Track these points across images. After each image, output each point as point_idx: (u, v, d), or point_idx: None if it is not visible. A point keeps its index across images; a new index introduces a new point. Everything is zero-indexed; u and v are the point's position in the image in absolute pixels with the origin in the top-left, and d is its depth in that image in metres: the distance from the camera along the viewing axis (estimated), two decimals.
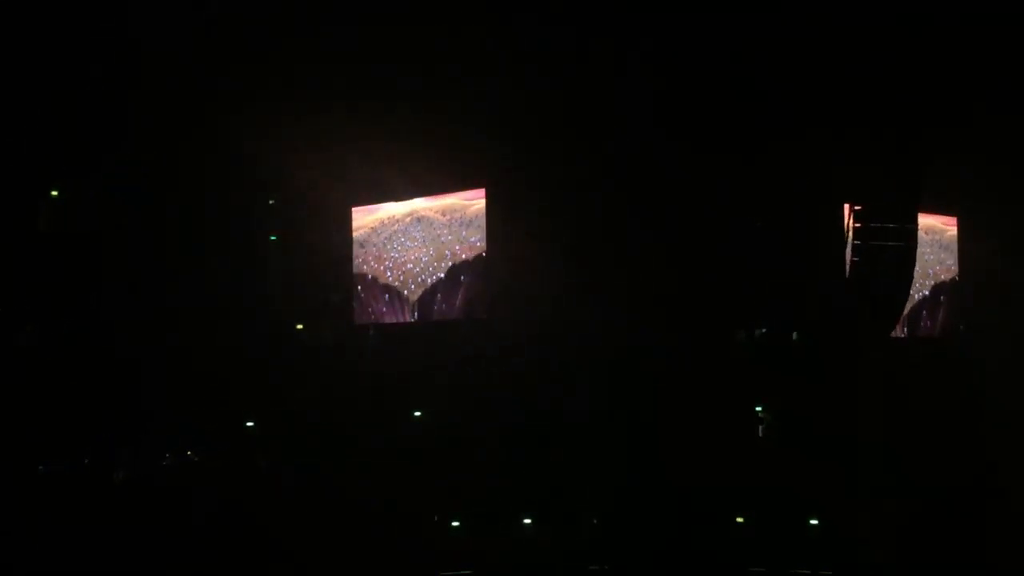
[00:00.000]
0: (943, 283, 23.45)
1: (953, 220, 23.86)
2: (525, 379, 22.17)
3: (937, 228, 23.37)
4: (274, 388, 23.25)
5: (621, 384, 21.73)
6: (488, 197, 20.72)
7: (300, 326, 24.50)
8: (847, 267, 19.84)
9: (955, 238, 23.53)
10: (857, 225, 19.77)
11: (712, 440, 20.85)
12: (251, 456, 22.95)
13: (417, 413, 23.18)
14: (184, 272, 23.49)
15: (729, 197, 21.63)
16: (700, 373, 21.47)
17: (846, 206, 20.36)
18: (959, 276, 23.78)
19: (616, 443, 21.07)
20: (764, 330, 22.64)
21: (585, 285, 22.11)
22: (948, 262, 23.54)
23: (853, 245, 19.89)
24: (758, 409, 21.71)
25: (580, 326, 22.25)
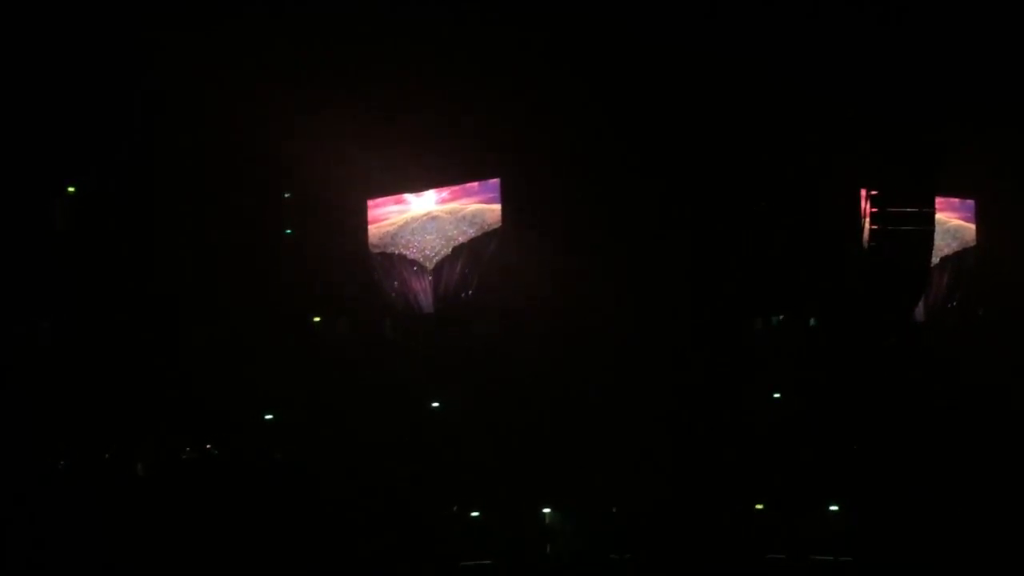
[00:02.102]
0: (962, 267, 23.54)
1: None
2: (541, 369, 22.47)
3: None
4: (292, 379, 23.31)
5: (639, 373, 21.89)
6: (503, 188, 24.16)
7: (317, 318, 24.50)
8: (864, 252, 19.96)
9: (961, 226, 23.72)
10: (874, 210, 19.71)
11: (730, 427, 20.92)
12: (269, 448, 22.91)
13: (435, 404, 23.18)
14: (201, 267, 23.63)
15: (745, 184, 21.81)
16: (718, 361, 21.55)
17: (862, 191, 20.22)
18: (978, 260, 23.79)
19: (635, 432, 21.16)
20: (781, 317, 22.67)
21: (597, 273, 22.59)
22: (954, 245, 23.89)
23: (870, 230, 19.74)
24: (776, 396, 21.55)
25: (596, 314, 22.55)
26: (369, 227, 24.94)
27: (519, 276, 23.70)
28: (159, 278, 23.52)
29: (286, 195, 24.74)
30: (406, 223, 24.68)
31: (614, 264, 22.78)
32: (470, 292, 24.11)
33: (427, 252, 24.55)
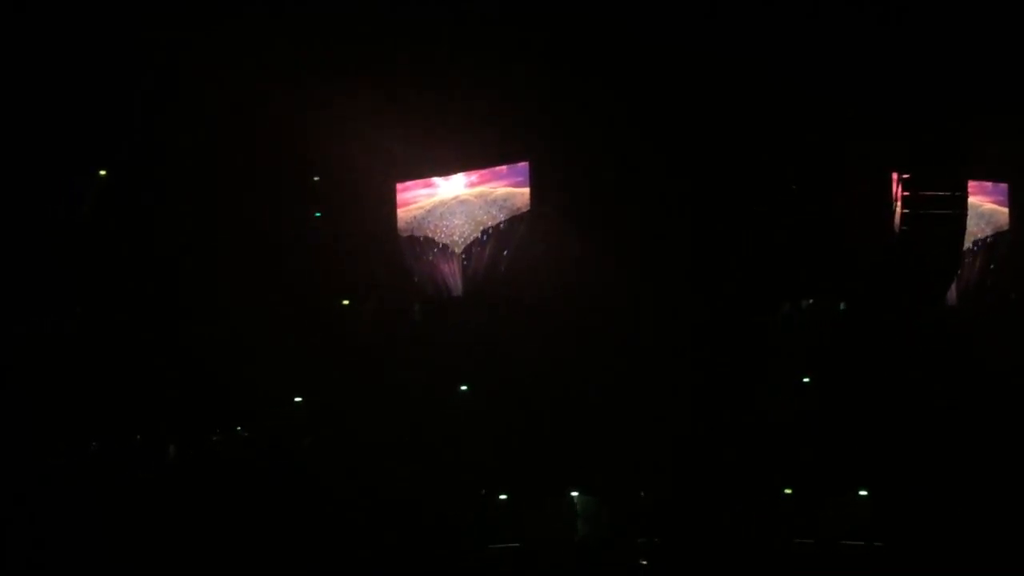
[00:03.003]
0: (994, 251, 23.41)
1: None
2: (569, 352, 22.30)
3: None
4: (320, 364, 23.22)
5: (667, 357, 21.71)
6: (532, 170, 23.91)
7: (346, 301, 24.47)
8: (895, 236, 19.75)
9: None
10: (906, 193, 19.47)
11: (760, 411, 20.79)
12: (297, 433, 22.88)
13: (464, 387, 23.14)
14: (229, 250, 23.46)
15: (775, 171, 21.61)
16: (747, 345, 21.38)
17: (893, 174, 19.95)
18: (1012, 243, 23.62)
19: (663, 416, 21.03)
20: (811, 301, 22.51)
21: (628, 257, 22.48)
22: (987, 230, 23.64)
23: (902, 214, 19.49)
24: (805, 380, 21.50)
25: (626, 299, 22.44)
26: (398, 211, 24.78)
27: (548, 261, 23.47)
28: (188, 266, 23.32)
29: (315, 179, 24.73)
30: (434, 207, 24.48)
31: (647, 250, 22.59)
32: (500, 275, 23.90)
33: (455, 236, 24.39)
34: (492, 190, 24.34)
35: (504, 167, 24.21)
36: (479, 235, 24.47)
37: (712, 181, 22.00)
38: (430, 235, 24.81)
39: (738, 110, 21.64)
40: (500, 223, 24.21)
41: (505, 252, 24.13)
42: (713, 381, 21.25)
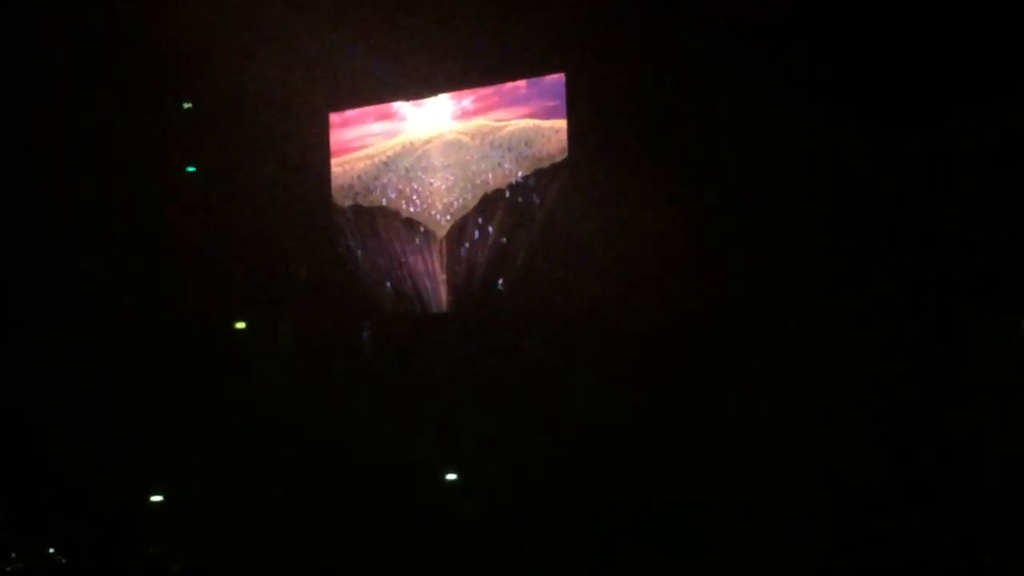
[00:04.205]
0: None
1: None
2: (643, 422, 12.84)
3: None
4: (194, 433, 13.79)
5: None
6: (571, 90, 13.98)
7: (240, 324, 14.50)
8: None
9: None
10: None
11: None
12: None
13: (450, 476, 13.35)
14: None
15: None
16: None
17: None
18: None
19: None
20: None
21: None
22: None
23: None
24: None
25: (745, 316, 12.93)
26: (333, 163, 14.83)
27: (595, 247, 13.46)
28: None
29: (185, 106, 14.58)
30: (398, 154, 14.49)
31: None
32: (514, 277, 14.00)
33: (435, 207, 14.41)
34: (499, 124, 14.14)
35: (523, 83, 13.89)
36: (476, 203, 14.35)
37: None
38: (390, 205, 14.81)
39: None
40: (515, 181, 14.12)
41: (524, 234, 14.05)
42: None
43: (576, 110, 13.63)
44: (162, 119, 14.74)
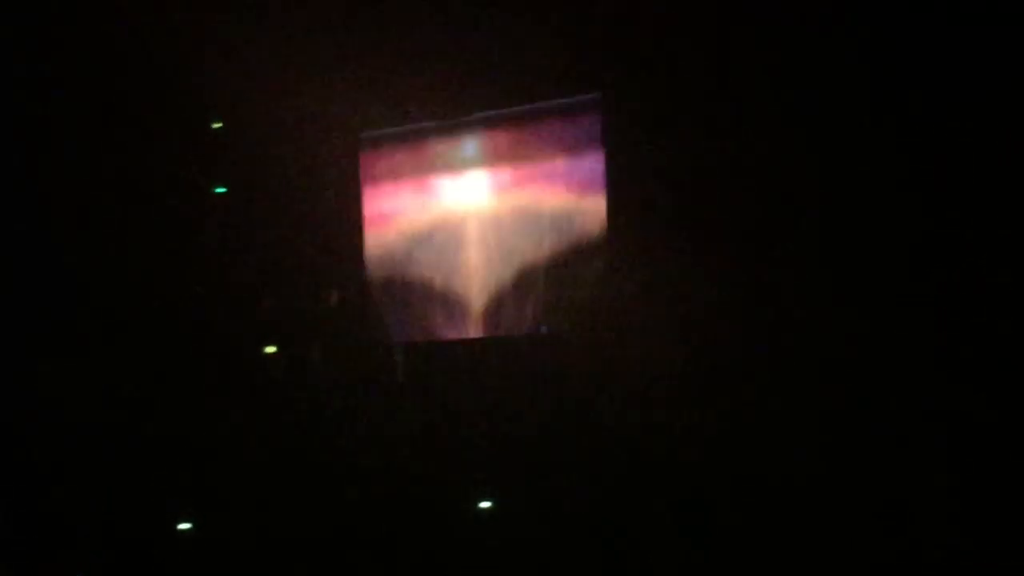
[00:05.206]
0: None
1: None
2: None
3: None
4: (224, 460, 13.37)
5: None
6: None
7: (270, 348, 14.10)
8: None
9: None
10: None
11: None
12: None
13: (485, 504, 12.70)
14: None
15: None
16: None
17: None
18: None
19: None
20: None
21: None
22: None
23: None
24: None
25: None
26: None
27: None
28: None
29: (215, 125, 14.26)
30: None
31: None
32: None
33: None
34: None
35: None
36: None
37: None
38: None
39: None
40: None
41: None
42: None
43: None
44: (191, 138, 14.37)
